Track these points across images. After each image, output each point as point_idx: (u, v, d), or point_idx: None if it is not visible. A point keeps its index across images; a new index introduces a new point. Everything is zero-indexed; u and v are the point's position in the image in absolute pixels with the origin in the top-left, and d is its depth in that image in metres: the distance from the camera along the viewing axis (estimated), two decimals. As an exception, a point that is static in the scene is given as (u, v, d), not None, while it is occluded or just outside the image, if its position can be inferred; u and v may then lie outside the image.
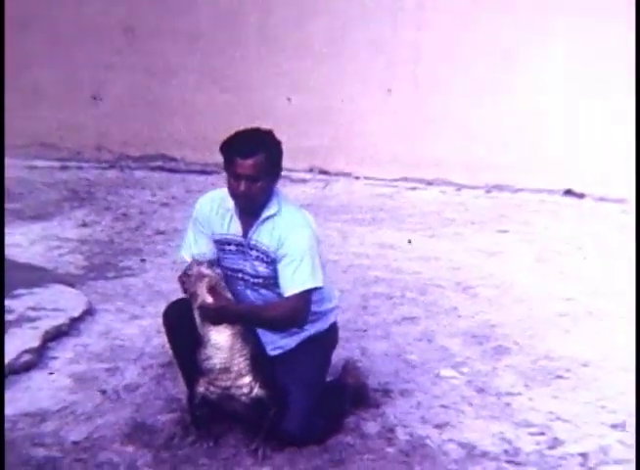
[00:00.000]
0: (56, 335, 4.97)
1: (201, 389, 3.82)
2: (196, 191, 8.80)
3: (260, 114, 9.50)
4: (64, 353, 4.85)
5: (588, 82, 8.87)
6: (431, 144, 9.42)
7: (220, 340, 3.76)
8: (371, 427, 4.23)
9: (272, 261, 3.90)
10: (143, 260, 6.60)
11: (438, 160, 9.42)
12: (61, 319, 5.09)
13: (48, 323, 4.99)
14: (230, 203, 3.91)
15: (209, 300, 3.73)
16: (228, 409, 3.94)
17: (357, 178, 9.34)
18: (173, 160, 9.92)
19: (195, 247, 3.99)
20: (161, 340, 5.03)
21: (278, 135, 3.88)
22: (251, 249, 3.93)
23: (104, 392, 4.44)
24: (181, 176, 9.55)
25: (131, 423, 4.14)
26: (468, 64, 9.19)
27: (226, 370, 3.77)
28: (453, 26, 9.21)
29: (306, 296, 3.86)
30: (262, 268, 3.94)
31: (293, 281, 3.83)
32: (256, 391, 3.79)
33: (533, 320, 5.71)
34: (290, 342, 4.07)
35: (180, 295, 3.96)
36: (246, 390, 3.80)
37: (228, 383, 3.79)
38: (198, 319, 3.79)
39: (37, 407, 4.22)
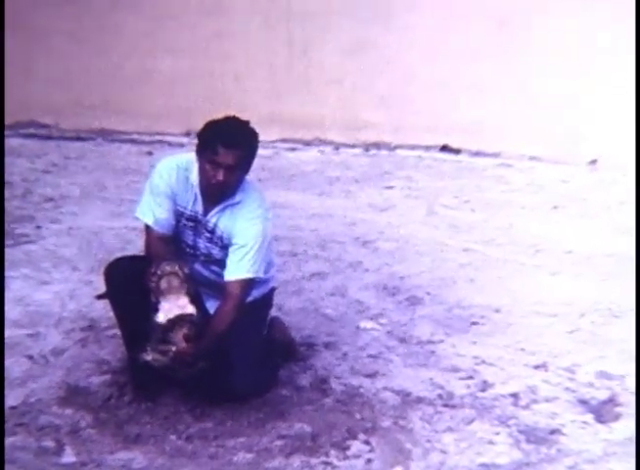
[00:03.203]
0: (-31, 303, 4.84)
1: (147, 357, 3.75)
2: (74, 158, 8.70)
3: (134, 77, 9.43)
4: (-19, 321, 4.72)
5: (458, 41, 9.03)
6: (307, 104, 9.46)
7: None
8: (304, 379, 4.30)
9: (225, 246, 3.94)
10: (38, 227, 6.44)
11: (315, 120, 9.47)
12: (-28, 288, 4.95)
13: (-40, 292, 4.84)
14: (195, 179, 3.88)
15: (184, 345, 3.66)
16: (172, 376, 3.90)
17: (235, 140, 9.21)
18: (46, 126, 9.63)
19: (158, 211, 3.90)
20: (77, 304, 5.05)
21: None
22: (208, 231, 3.95)
23: (31, 357, 4.35)
24: (56, 143, 9.30)
25: (65, 386, 4.09)
26: (342, 22, 9.22)
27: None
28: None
29: (246, 284, 3.89)
30: (215, 251, 3.99)
31: (237, 267, 3.86)
32: (200, 364, 3.77)
33: (438, 271, 5.85)
34: None
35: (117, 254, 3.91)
36: (190, 366, 3.78)
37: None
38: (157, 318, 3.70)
39: (-34, 375, 4.12)
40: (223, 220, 3.91)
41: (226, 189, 3.83)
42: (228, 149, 3.69)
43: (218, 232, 3.93)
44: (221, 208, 3.90)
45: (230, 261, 3.87)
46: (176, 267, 3.71)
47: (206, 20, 9.40)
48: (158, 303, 3.67)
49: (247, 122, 3.83)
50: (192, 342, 3.66)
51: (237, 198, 3.89)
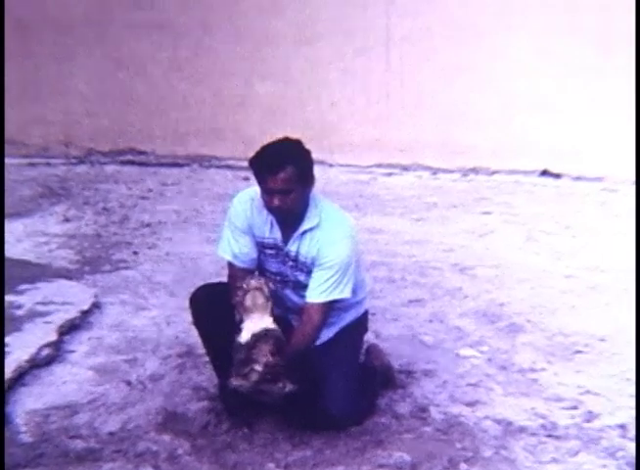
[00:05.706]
0: (69, 329, 4.88)
1: (235, 382, 3.71)
2: (170, 184, 8.75)
3: (231, 104, 9.48)
4: (80, 347, 4.77)
5: (558, 63, 8.87)
6: (404, 129, 9.37)
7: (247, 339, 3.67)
8: (403, 407, 4.22)
9: (311, 271, 3.91)
10: (135, 253, 6.50)
11: (413, 144, 9.38)
12: (72, 313, 5.02)
13: (60, 317, 4.90)
14: None
15: (271, 359, 3.61)
16: (260, 400, 3.86)
17: (331, 166, 9.18)
18: (143, 153, 9.71)
19: (235, 247, 3.94)
20: (174, 330, 5.03)
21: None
22: (291, 259, 3.93)
23: (129, 383, 4.38)
24: (153, 169, 9.39)
25: (163, 412, 4.10)
26: (439, 46, 9.14)
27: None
28: (423, 9, 9.14)
29: (326, 306, 3.88)
30: (303, 277, 3.95)
31: (319, 289, 3.84)
32: (289, 388, 3.71)
33: (538, 298, 5.70)
34: (328, 333, 4.06)
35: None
36: (277, 389, 3.72)
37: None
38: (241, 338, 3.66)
39: (66, 400, 4.16)
40: (304, 247, 3.88)
41: (288, 212, 3.80)
42: (274, 174, 3.66)
43: (302, 259, 3.90)
44: (299, 234, 3.87)
45: (312, 283, 3.85)
46: (262, 282, 3.72)
47: (303, 47, 9.39)
48: (241, 322, 3.65)
49: (294, 142, 3.80)
50: (278, 356, 3.61)
51: (314, 221, 3.86)
